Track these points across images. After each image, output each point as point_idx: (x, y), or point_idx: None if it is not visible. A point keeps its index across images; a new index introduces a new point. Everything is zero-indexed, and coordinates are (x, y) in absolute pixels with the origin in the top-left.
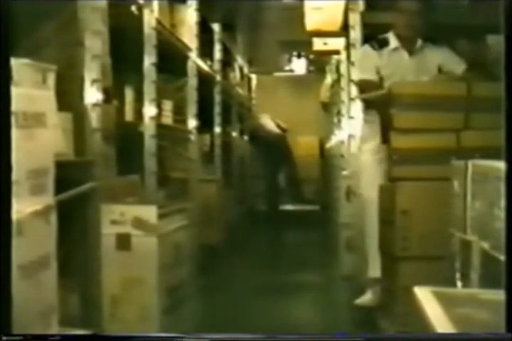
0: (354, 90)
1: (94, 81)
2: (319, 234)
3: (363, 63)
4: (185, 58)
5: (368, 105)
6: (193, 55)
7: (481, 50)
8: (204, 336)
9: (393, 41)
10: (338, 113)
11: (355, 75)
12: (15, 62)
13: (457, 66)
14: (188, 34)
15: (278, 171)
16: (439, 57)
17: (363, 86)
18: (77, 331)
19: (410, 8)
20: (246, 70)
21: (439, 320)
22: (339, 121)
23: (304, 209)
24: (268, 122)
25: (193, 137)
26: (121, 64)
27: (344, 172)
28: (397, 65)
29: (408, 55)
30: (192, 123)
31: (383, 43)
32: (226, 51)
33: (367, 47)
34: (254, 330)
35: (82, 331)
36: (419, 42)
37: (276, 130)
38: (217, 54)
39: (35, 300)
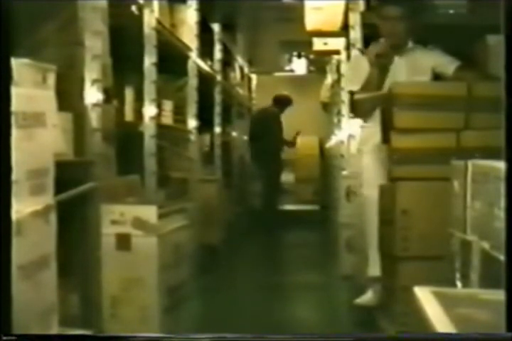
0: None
1: (94, 81)
2: (319, 234)
3: (354, 72)
4: (185, 58)
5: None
6: (193, 55)
7: (479, 50)
8: (203, 336)
9: None
10: (338, 113)
11: (345, 85)
12: (15, 62)
13: (449, 66)
14: (188, 34)
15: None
16: (431, 59)
17: (357, 104)
18: (77, 331)
19: (393, 15)
20: (246, 70)
21: (439, 320)
22: (339, 121)
23: (303, 209)
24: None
25: (193, 137)
26: (122, 64)
27: (344, 172)
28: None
29: (398, 57)
30: (192, 123)
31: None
32: (226, 51)
33: (357, 54)
34: (253, 330)
35: (82, 331)
36: (410, 43)
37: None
38: (218, 54)
39: (35, 300)
